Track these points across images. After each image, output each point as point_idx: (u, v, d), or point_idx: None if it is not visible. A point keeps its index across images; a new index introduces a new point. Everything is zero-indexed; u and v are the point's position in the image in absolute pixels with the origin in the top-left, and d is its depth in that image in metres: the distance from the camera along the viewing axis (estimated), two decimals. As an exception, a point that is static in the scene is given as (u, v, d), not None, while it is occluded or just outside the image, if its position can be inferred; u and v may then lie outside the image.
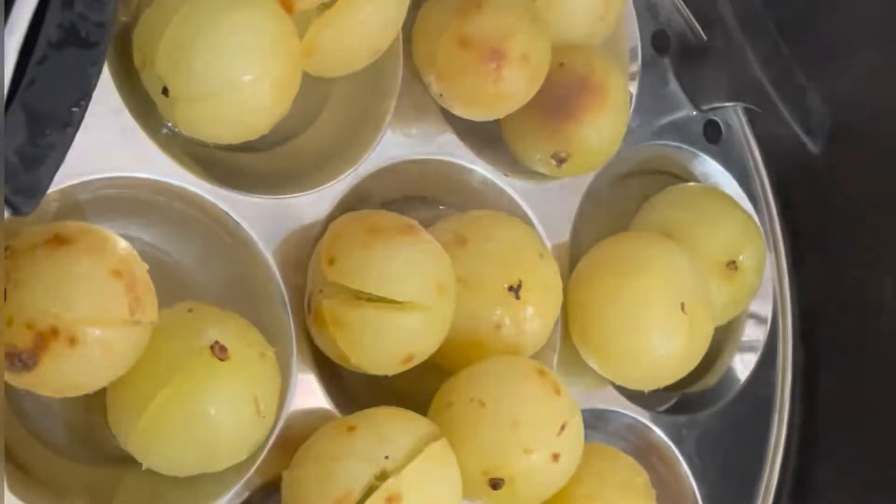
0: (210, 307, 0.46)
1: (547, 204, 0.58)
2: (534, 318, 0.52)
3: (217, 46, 0.45)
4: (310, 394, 0.50)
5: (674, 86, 0.65)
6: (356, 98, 0.55)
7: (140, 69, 0.46)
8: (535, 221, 0.58)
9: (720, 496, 0.64)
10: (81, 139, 0.37)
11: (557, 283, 0.54)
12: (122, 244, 0.43)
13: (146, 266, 0.43)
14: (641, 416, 0.61)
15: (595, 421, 0.59)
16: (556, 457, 0.48)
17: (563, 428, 0.49)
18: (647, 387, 0.59)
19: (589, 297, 0.56)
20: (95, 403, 0.45)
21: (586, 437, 0.51)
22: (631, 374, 0.57)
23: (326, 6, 0.48)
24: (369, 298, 0.47)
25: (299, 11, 0.47)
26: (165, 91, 0.45)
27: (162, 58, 0.45)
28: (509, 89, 0.52)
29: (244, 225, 0.49)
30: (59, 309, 0.40)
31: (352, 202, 0.52)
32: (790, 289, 0.68)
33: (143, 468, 0.45)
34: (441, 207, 0.59)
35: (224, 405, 0.44)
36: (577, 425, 0.50)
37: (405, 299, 0.47)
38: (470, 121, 0.55)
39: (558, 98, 0.55)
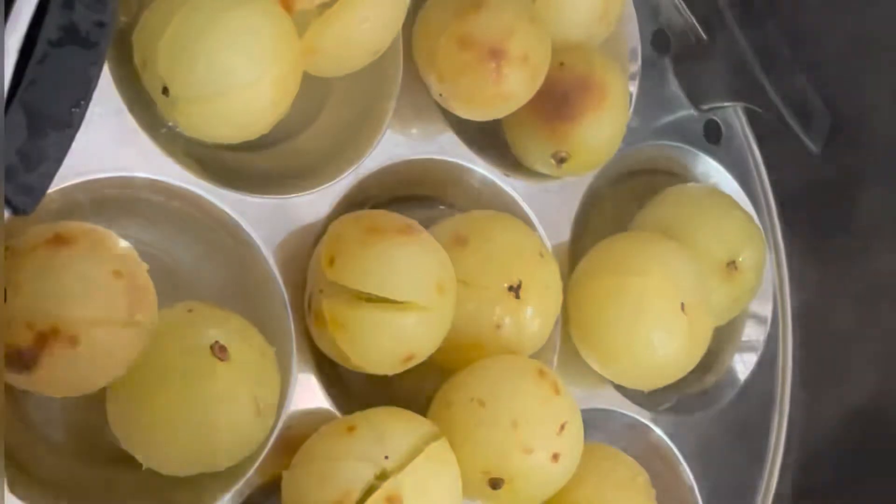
0: (210, 307, 0.46)
1: (547, 204, 0.58)
2: (534, 318, 0.52)
3: (217, 47, 0.44)
4: (310, 394, 0.50)
5: (674, 86, 0.65)
6: (356, 98, 0.55)
7: (140, 69, 0.46)
8: (535, 221, 0.58)
9: (720, 496, 0.64)
10: (81, 139, 0.37)
11: (557, 283, 0.54)
12: (122, 244, 0.43)
13: (146, 266, 0.43)
14: (641, 416, 0.61)
15: (595, 421, 0.59)
16: (556, 457, 0.48)
17: (562, 428, 0.49)
18: (647, 387, 0.59)
19: (589, 297, 0.56)
20: (95, 403, 0.45)
21: (586, 437, 0.51)
22: (631, 374, 0.57)
23: (326, 6, 0.48)
24: (369, 298, 0.47)
25: (299, 11, 0.47)
26: (166, 91, 0.45)
27: (162, 58, 0.45)
28: (509, 89, 0.52)
29: (244, 225, 0.49)
30: (60, 309, 0.40)
31: (352, 202, 0.52)
32: (790, 289, 0.68)
33: (143, 468, 0.45)
34: (441, 207, 0.59)
35: (224, 405, 0.44)
36: (577, 425, 0.50)
37: (405, 299, 0.47)
38: (470, 121, 0.55)
39: (558, 98, 0.55)
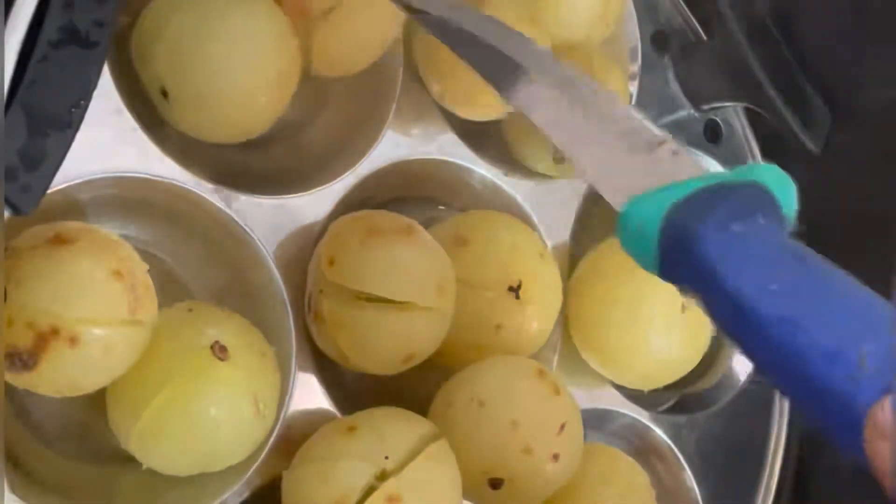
0: (210, 307, 0.47)
1: (547, 204, 0.58)
2: (534, 318, 0.52)
3: (216, 48, 0.45)
4: (310, 394, 0.50)
5: (674, 86, 0.65)
6: (356, 98, 0.55)
7: (139, 70, 0.46)
8: (536, 221, 0.57)
9: (720, 496, 0.64)
10: (81, 139, 0.37)
11: (557, 283, 0.54)
12: (122, 244, 0.43)
13: (146, 266, 0.43)
14: (641, 416, 0.61)
15: (595, 421, 0.59)
16: (556, 457, 0.48)
17: (562, 428, 0.49)
18: (647, 387, 0.59)
19: (589, 298, 0.56)
20: (95, 403, 0.45)
21: (586, 437, 0.51)
22: (631, 374, 0.57)
23: (329, 10, 0.48)
24: (369, 298, 0.47)
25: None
26: (164, 93, 0.45)
27: (161, 60, 0.45)
28: (509, 89, 0.52)
29: (244, 225, 0.49)
30: (60, 309, 0.40)
31: (352, 202, 0.52)
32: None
33: (143, 468, 0.45)
34: (441, 207, 0.59)
35: (224, 405, 0.44)
36: (576, 425, 0.50)
37: (405, 299, 0.47)
38: (470, 121, 0.55)
39: (558, 98, 0.55)
